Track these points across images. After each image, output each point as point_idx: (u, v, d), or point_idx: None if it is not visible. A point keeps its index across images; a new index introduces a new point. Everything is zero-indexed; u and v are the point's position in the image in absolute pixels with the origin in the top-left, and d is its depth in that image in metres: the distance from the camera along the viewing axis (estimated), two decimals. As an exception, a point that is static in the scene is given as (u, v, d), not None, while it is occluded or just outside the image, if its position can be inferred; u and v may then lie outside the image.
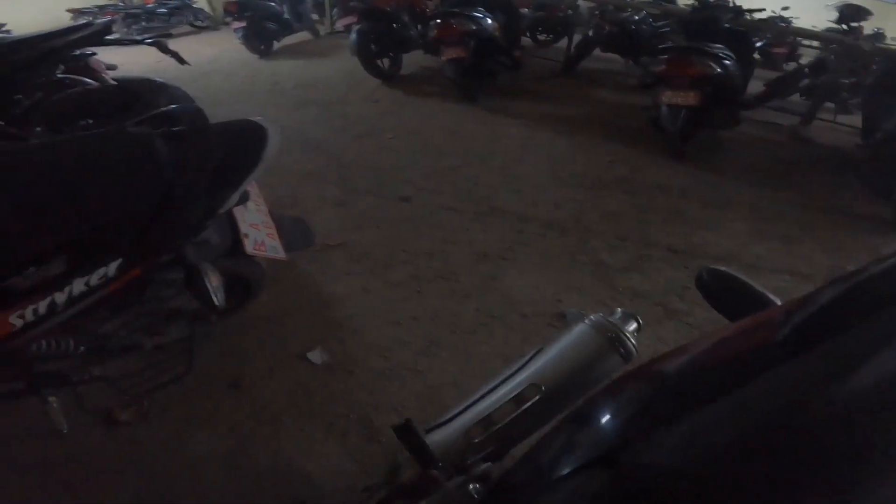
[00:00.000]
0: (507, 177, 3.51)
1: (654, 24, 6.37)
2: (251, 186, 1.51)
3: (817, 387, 0.42)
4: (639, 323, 0.90)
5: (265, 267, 1.88)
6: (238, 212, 1.49)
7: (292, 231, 1.83)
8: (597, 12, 7.58)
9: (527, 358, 0.91)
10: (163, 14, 8.19)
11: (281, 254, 1.60)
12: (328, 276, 2.55)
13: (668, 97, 3.74)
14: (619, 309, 0.94)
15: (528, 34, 8.00)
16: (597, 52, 6.71)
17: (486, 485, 0.67)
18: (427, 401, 1.87)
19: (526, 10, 7.57)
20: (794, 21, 7.54)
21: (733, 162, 4.07)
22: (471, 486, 0.66)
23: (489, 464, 0.75)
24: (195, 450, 1.65)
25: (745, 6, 5.16)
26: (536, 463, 0.60)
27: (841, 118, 5.09)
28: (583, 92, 5.68)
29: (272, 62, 6.27)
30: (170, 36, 8.23)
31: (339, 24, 5.29)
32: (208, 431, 1.72)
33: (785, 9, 7.54)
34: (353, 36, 5.08)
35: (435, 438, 0.82)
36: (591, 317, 0.90)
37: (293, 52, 6.79)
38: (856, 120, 4.37)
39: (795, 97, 5.60)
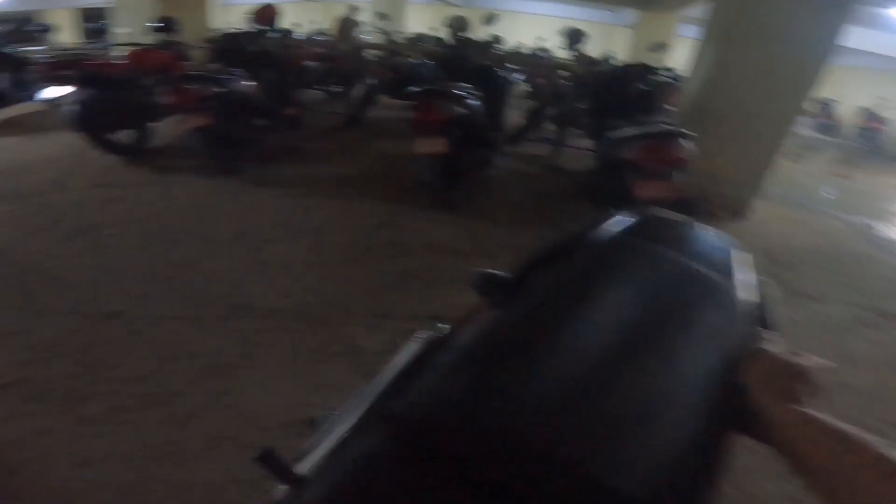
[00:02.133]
0: (256, 263, 3.05)
1: (431, 66, 6.57)
2: None
3: (528, 316, 0.61)
4: None
5: None
6: None
7: None
8: (378, 59, 7.71)
9: (366, 384, 0.94)
10: None
11: None
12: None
13: (419, 146, 3.64)
14: (444, 325, 1.00)
15: (318, 87, 7.78)
16: (388, 99, 6.71)
17: None
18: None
19: (312, 62, 7.35)
20: (550, 51, 8.43)
21: (496, 203, 4.21)
22: None
23: None
24: None
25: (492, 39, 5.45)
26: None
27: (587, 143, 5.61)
28: (365, 145, 5.56)
29: (-27, 143, 4.94)
30: None
31: (48, 97, 4.33)
32: None
33: (540, 39, 8.44)
34: (73, 108, 4.18)
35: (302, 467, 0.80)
36: (417, 333, 0.96)
37: (10, 128, 5.48)
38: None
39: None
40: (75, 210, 3.49)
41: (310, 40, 10.18)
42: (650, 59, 5.57)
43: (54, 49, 7.36)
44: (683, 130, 3.45)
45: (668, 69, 5.82)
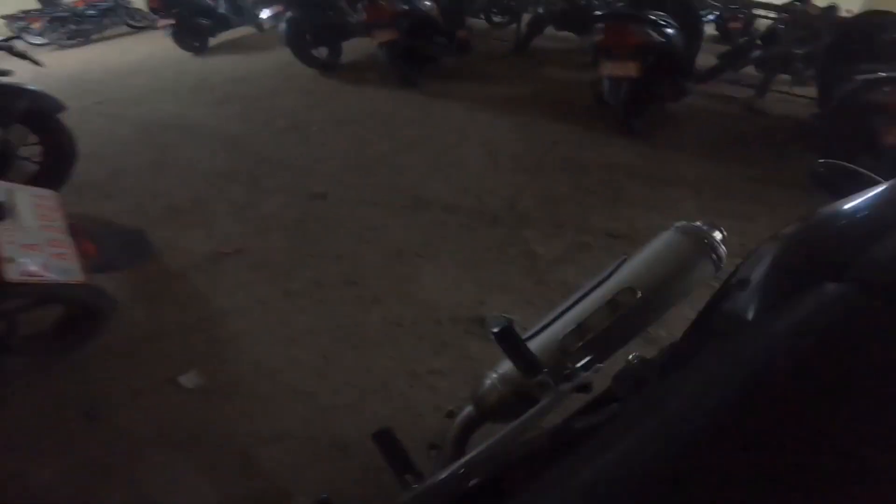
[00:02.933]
0: (439, 164, 3.19)
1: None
2: (31, 200, 1.31)
3: None
4: (723, 233, 0.87)
5: (98, 290, 1.61)
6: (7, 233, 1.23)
7: (118, 247, 1.60)
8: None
9: (612, 267, 0.88)
10: (93, 16, 7.69)
11: (75, 276, 1.34)
12: (219, 287, 2.24)
13: (607, 69, 3.43)
14: (699, 221, 0.91)
15: (482, 16, 7.69)
16: (552, 30, 6.44)
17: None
18: (317, 427, 1.63)
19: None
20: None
21: (684, 136, 3.80)
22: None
23: (588, 373, 0.70)
24: (39, 484, 1.44)
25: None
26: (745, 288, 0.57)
27: (798, 89, 4.86)
28: (533, 71, 5.38)
29: (205, 59, 5.87)
30: (101, 38, 7.79)
31: (265, 16, 4.90)
32: (56, 464, 1.50)
33: None
34: (283, 26, 4.73)
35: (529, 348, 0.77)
36: (678, 224, 0.88)
37: (231, 47, 6.39)
38: (812, 91, 4.13)
39: (751, 70, 5.37)
40: (287, 111, 4.00)
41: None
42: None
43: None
44: None
45: None
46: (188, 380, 1.78)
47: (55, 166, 2.59)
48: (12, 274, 1.19)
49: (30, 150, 2.60)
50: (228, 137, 3.62)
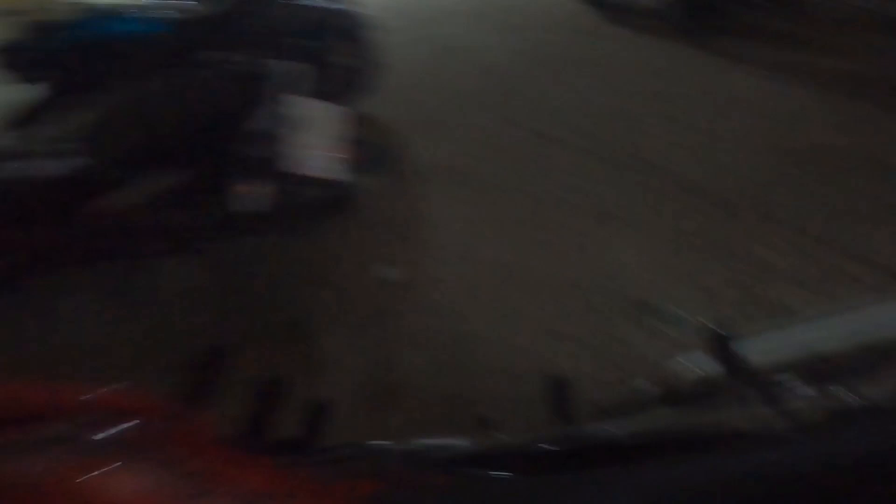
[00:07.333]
0: (689, 129, 2.74)
1: None
2: (320, 113, 1.76)
3: None
4: None
5: (342, 185, 1.90)
6: (296, 135, 1.67)
7: (372, 156, 1.99)
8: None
9: None
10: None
11: (344, 175, 1.72)
12: (431, 198, 2.45)
13: None
14: None
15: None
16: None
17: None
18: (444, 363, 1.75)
19: None
20: None
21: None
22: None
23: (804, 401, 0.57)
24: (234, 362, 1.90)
25: None
26: None
27: None
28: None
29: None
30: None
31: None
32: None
33: None
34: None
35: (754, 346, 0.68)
36: None
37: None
38: None
39: None
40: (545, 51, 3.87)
41: None
42: None
43: None
44: None
45: None
46: (389, 273, 2.02)
47: (362, 75, 3.03)
48: (304, 170, 1.64)
49: (343, 62, 3.07)
50: (492, 65, 3.67)
